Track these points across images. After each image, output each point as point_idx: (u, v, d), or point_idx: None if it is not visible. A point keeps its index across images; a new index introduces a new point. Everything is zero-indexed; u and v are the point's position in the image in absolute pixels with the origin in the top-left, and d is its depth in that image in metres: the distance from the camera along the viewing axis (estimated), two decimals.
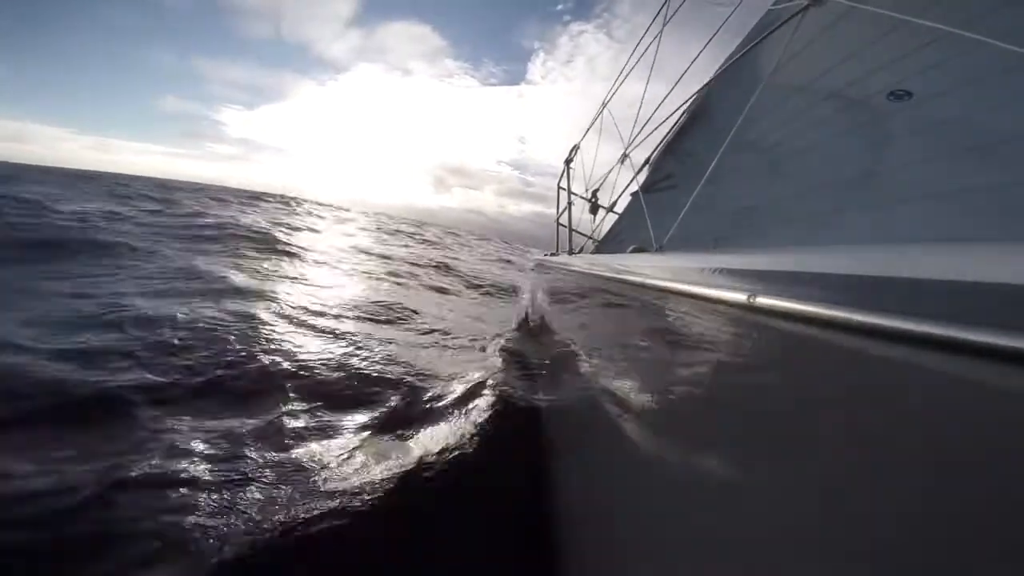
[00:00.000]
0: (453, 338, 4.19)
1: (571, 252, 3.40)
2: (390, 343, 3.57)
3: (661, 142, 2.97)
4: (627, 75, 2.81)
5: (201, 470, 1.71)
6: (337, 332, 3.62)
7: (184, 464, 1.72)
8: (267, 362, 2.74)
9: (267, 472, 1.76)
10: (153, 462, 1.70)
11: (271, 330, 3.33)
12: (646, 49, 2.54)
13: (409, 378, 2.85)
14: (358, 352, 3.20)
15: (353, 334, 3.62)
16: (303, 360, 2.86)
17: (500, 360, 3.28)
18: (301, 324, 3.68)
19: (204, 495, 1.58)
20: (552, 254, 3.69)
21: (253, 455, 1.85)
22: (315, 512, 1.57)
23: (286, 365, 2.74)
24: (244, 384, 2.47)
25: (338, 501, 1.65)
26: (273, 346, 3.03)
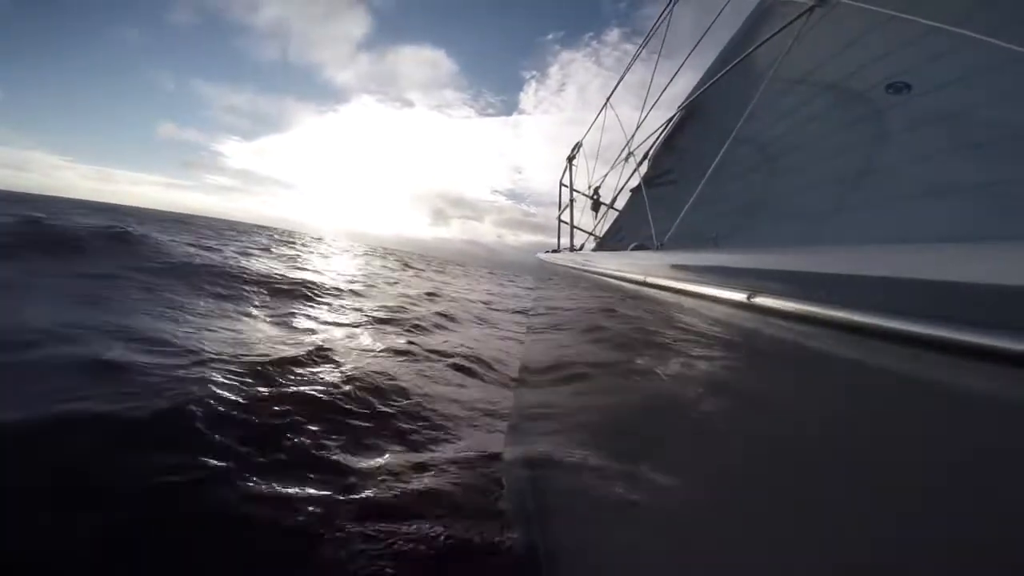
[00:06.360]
0: None
1: (572, 249, 3.39)
2: None
3: (660, 137, 2.95)
4: (630, 67, 2.80)
5: None
6: None
7: None
8: None
9: None
10: None
11: None
12: (649, 41, 2.52)
13: None
14: None
15: None
16: None
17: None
18: None
19: None
20: (554, 251, 3.68)
21: None
22: None
23: None
24: None
25: None
26: None
